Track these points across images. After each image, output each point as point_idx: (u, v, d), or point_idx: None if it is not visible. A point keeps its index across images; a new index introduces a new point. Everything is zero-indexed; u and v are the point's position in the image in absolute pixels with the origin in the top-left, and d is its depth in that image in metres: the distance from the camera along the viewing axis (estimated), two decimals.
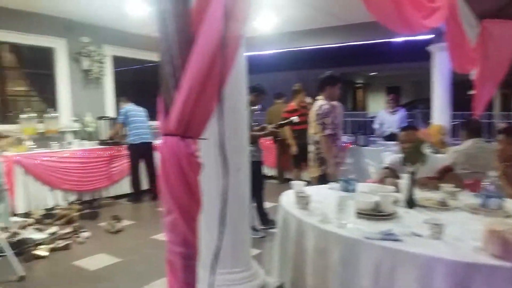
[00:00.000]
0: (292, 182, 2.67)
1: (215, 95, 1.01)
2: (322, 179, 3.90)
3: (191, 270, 1.05)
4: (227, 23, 0.87)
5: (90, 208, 5.68)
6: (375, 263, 1.77)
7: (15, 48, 6.23)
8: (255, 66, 9.84)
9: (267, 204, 4.89)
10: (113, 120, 6.42)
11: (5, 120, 6.01)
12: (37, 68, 6.51)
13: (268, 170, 7.70)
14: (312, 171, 4.29)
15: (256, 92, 4.56)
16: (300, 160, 6.57)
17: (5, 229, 4.09)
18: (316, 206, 2.35)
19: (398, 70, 16.18)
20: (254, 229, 4.56)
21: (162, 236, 4.54)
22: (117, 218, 5.04)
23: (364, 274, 1.80)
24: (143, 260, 3.91)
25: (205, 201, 1.80)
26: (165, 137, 1.05)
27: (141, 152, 6.29)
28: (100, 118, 6.66)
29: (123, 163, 6.33)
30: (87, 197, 6.00)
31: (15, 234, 4.37)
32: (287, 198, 2.57)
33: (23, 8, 5.74)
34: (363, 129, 11.82)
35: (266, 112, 7.32)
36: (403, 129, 3.52)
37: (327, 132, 4.02)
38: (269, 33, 7.03)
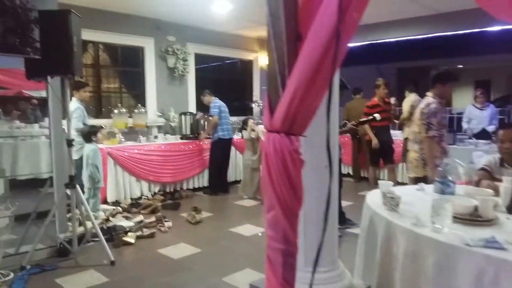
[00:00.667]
0: (380, 182, 2.55)
1: (322, 92, 0.98)
2: (422, 181, 3.69)
3: (291, 268, 1.04)
4: (342, 16, 0.83)
5: (172, 199, 5.98)
6: (476, 271, 1.63)
7: (109, 48, 6.73)
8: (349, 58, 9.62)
9: (343, 203, 4.77)
10: (205, 114, 6.60)
11: (99, 114, 6.54)
12: (127, 66, 6.99)
13: (343, 168, 7.52)
14: (413, 172, 4.17)
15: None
16: (378, 158, 6.33)
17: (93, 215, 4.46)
18: (406, 208, 2.21)
19: (490, 62, 14.84)
20: None
21: (238, 229, 4.65)
22: (196, 210, 5.24)
23: (463, 283, 1.66)
24: (222, 252, 4.02)
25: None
26: (269, 134, 1.04)
27: (226, 147, 6.50)
28: (183, 113, 6.97)
29: (203, 157, 6.57)
30: (169, 188, 6.32)
31: (106, 221, 4.74)
32: (374, 198, 2.46)
33: (117, 10, 6.18)
34: (449, 126, 11.01)
35: (344, 108, 7.13)
36: (503, 127, 3.20)
37: (431, 133, 3.78)
38: None
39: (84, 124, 5.03)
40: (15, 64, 3.95)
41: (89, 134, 4.75)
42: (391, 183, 2.53)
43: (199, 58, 7.69)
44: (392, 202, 2.18)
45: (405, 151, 5.53)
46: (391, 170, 6.35)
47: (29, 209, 3.84)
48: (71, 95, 5.05)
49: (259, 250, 4.06)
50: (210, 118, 6.40)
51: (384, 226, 2.11)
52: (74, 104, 5.03)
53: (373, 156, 6.39)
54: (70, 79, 3.61)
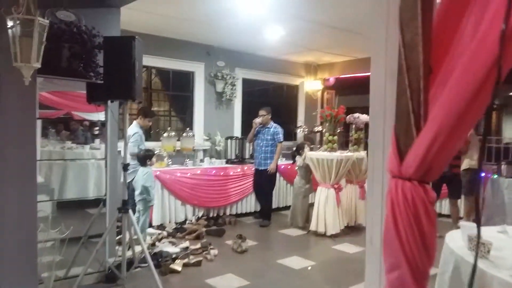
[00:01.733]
0: (463, 223, 2.32)
1: (466, 133, 0.84)
2: None
3: None
4: (504, 45, 0.70)
5: (215, 224, 5.87)
6: None
7: (161, 72, 6.87)
8: None
9: None
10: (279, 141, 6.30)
11: (149, 137, 6.62)
12: (178, 90, 7.09)
13: None
14: None
15: None
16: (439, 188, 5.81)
17: (142, 239, 4.38)
18: (497, 255, 1.98)
19: None
20: None
21: (286, 262, 4.45)
22: (241, 238, 5.09)
23: None
24: (271, 286, 3.84)
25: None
26: (397, 181, 0.91)
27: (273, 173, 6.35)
28: (229, 137, 6.94)
29: (247, 182, 6.46)
30: (212, 213, 6.22)
31: (152, 245, 4.68)
32: (456, 240, 2.23)
33: (170, 35, 6.32)
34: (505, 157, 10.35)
35: None
36: None
37: None
38: None
39: (139, 148, 5.07)
40: (69, 87, 4.04)
41: (144, 158, 4.77)
42: (474, 224, 2.29)
43: (246, 83, 7.71)
44: (482, 249, 1.95)
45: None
46: (454, 203, 5.82)
47: (75, 230, 3.83)
48: (132, 120, 5.15)
49: (310, 286, 3.84)
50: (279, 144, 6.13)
51: (478, 276, 1.88)
52: (134, 129, 5.10)
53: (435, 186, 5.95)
54: (133, 103, 3.63)
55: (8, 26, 2.26)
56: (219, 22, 5.62)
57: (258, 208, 6.52)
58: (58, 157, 5.02)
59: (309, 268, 4.31)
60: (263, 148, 6.09)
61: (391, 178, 0.94)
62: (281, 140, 6.15)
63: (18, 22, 2.25)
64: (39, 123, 4.03)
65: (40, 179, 3.99)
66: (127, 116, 3.58)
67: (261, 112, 6.11)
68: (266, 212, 6.25)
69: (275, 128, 6.12)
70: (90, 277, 3.69)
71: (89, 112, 5.25)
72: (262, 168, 6.12)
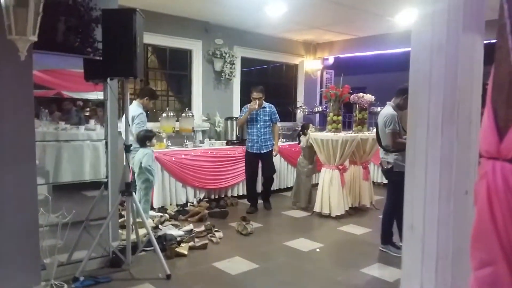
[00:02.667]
0: None
1: None
2: None
3: None
4: None
5: (217, 207, 5.75)
6: None
7: (157, 50, 6.61)
8: (390, 64, 9.26)
9: None
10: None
11: (148, 118, 6.40)
12: (175, 69, 6.84)
13: None
14: None
15: (406, 95, 4.06)
16: None
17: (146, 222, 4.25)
18: None
19: None
20: (395, 246, 4.14)
21: (294, 244, 4.36)
22: (246, 220, 4.99)
23: None
24: (281, 269, 3.74)
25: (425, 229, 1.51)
26: (494, 162, 0.76)
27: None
28: (228, 118, 6.76)
29: None
30: (213, 195, 6.10)
31: (155, 228, 4.55)
32: None
33: (167, 11, 6.05)
34: None
35: None
36: None
37: None
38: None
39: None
40: (61, 65, 3.80)
41: (144, 139, 4.58)
42: None
43: (244, 62, 7.48)
44: None
45: None
46: None
47: (74, 214, 3.67)
48: (133, 99, 4.95)
49: (321, 269, 3.76)
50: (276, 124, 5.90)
51: None
52: (137, 109, 4.90)
53: None
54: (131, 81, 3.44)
55: None
56: None
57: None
58: (52, 139, 4.82)
59: (318, 250, 4.23)
60: (261, 130, 5.60)
61: (487, 160, 0.79)
62: (279, 120, 5.90)
63: None
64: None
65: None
66: (127, 95, 3.40)
67: (257, 94, 5.52)
68: (268, 196, 6.04)
69: (270, 107, 5.70)
70: (93, 262, 3.57)
71: (83, 92, 5.04)
72: (264, 151, 5.64)
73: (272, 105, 5.78)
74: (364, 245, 4.43)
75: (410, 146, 1.54)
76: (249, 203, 5.85)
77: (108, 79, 3.42)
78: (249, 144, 5.69)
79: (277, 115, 5.79)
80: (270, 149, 5.73)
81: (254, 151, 5.64)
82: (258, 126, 5.60)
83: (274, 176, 6.01)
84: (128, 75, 3.19)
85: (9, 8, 2.06)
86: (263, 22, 6.50)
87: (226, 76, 6.95)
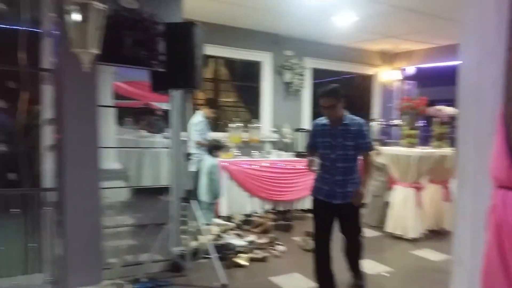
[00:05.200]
0: None
1: None
2: None
3: None
4: None
5: (283, 220, 5.66)
6: None
7: (228, 62, 6.82)
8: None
9: None
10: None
11: (216, 128, 6.61)
12: (244, 81, 6.99)
13: None
14: None
15: None
16: None
17: (208, 230, 4.32)
18: None
19: None
20: None
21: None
22: (310, 235, 4.82)
23: None
24: None
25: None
26: (504, 192, 0.61)
27: None
28: (297, 130, 6.69)
29: None
30: (280, 208, 6.02)
31: (218, 236, 4.60)
32: None
33: (237, 25, 6.21)
34: None
35: None
36: None
37: None
38: None
39: (204, 138, 5.05)
40: (142, 77, 4.08)
41: (213, 148, 4.71)
42: None
43: (317, 73, 7.38)
44: None
45: None
46: None
47: (144, 218, 3.86)
48: (196, 109, 5.13)
49: None
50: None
51: None
52: (198, 118, 5.10)
53: None
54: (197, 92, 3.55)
55: (65, 11, 2.24)
56: (286, 9, 5.38)
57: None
58: (133, 145, 5.19)
59: (386, 274, 3.92)
60: (338, 164, 3.08)
61: (497, 189, 0.64)
62: (372, 145, 3.33)
63: (74, 6, 2.22)
64: (115, 112, 4.16)
65: (117, 165, 4.12)
66: (188, 106, 3.51)
67: (325, 101, 3.05)
68: (357, 267, 3.38)
69: (356, 124, 3.13)
70: (156, 265, 3.70)
71: (160, 102, 5.38)
72: (341, 201, 3.09)
73: (360, 120, 3.19)
74: (443, 273, 3.99)
75: (459, 169, 1.35)
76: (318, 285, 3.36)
77: (172, 90, 3.57)
78: (316, 184, 3.24)
79: (368, 138, 3.21)
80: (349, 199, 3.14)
81: (323, 198, 3.16)
82: (333, 156, 3.08)
83: (361, 237, 3.31)
84: (188, 86, 3.29)
85: (72, 23, 2.25)
86: (333, 32, 6.36)
87: (295, 87, 6.91)
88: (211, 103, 5.38)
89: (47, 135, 2.88)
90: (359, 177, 3.17)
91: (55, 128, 2.80)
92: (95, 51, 2.39)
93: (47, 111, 2.87)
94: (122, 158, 4.51)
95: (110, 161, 3.81)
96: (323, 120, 3.19)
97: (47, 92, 2.86)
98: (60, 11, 2.50)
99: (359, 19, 5.59)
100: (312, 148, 3.28)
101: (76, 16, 2.21)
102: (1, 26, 2.74)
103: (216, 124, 6.69)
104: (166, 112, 4.07)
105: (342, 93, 3.12)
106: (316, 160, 3.19)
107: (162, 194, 4.01)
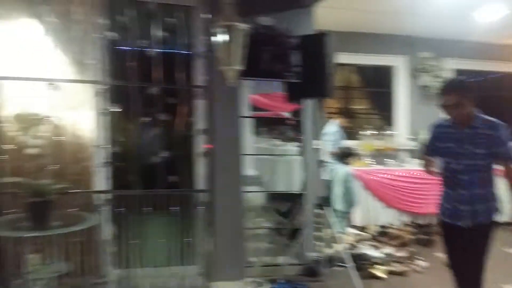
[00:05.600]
0: None
1: None
2: None
3: None
4: None
5: (424, 234, 5.29)
6: None
7: (359, 69, 6.75)
8: None
9: None
10: None
11: (349, 136, 6.56)
12: (377, 87, 6.81)
13: None
14: None
15: None
16: None
17: (342, 238, 4.29)
18: None
19: None
20: None
21: None
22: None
23: None
24: None
25: None
26: None
27: None
28: None
29: None
30: (420, 220, 5.63)
31: (353, 246, 4.54)
32: None
33: (367, 31, 6.10)
34: None
35: None
36: None
37: None
38: None
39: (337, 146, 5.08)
40: (272, 88, 4.34)
41: (344, 156, 4.73)
42: None
43: (458, 74, 6.75)
44: None
45: None
46: None
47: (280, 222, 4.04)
48: (330, 118, 5.21)
49: None
50: None
51: None
52: (332, 127, 5.16)
53: None
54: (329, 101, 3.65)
55: (212, 33, 2.56)
56: (420, 9, 5.10)
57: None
58: (267, 153, 5.52)
59: None
60: (466, 176, 2.47)
61: None
62: None
63: (221, 29, 2.52)
64: (251, 122, 4.51)
65: (253, 172, 4.46)
66: (320, 114, 3.61)
67: (447, 98, 2.42)
68: None
69: (490, 127, 2.47)
70: (292, 268, 3.83)
71: (291, 111, 5.61)
72: (466, 223, 2.48)
73: (496, 122, 2.49)
74: None
75: None
76: None
77: (305, 100, 3.71)
78: (441, 202, 2.70)
79: (507, 145, 2.47)
80: (485, 220, 2.49)
81: (448, 220, 2.59)
82: (456, 166, 2.51)
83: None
84: (320, 95, 3.39)
85: (220, 43, 2.55)
86: (475, 29, 5.78)
87: (433, 91, 6.44)
88: (345, 112, 5.37)
89: (199, 143, 3.30)
90: (493, 193, 2.50)
91: (206, 137, 3.18)
92: (239, 67, 2.66)
93: (199, 122, 3.28)
94: (257, 165, 4.83)
95: (247, 167, 4.13)
96: (446, 121, 2.56)
97: (199, 106, 3.28)
98: (208, 34, 2.84)
99: (510, 13, 5.01)
100: (431, 154, 2.74)
101: (223, 37, 2.50)
102: (163, 51, 3.24)
103: (348, 132, 6.65)
104: (298, 121, 4.23)
105: (469, 87, 2.45)
106: (437, 162, 2.69)
107: (295, 200, 4.18)
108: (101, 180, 3.27)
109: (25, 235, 2.62)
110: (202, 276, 3.34)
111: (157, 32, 3.23)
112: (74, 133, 3.18)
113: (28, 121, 3.07)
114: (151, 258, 3.43)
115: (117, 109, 3.32)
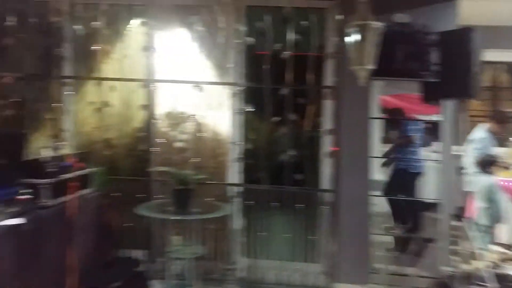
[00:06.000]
0: None
1: None
2: None
3: None
4: None
5: None
6: None
7: (510, 68, 5.95)
8: None
9: None
10: None
11: (499, 142, 5.80)
12: None
13: None
14: None
15: None
16: None
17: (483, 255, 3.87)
18: None
19: None
20: None
21: None
22: None
23: None
24: None
25: None
26: None
27: None
28: None
29: None
30: None
31: (496, 265, 4.04)
32: None
33: None
34: None
35: None
36: None
37: None
38: None
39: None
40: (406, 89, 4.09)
41: (483, 164, 4.23)
42: None
43: None
44: None
45: None
46: None
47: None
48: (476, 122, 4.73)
49: None
50: None
51: None
52: (480, 133, 4.63)
53: None
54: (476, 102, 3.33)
55: (345, 33, 2.55)
56: None
57: None
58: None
59: None
60: None
61: None
62: None
63: (354, 28, 2.50)
64: (380, 124, 4.36)
65: (380, 176, 4.31)
66: (463, 117, 3.30)
67: None
68: None
69: None
70: (422, 280, 3.60)
71: (427, 114, 5.21)
72: None
73: None
74: None
75: None
76: None
77: (445, 101, 3.44)
78: None
79: None
80: None
81: None
82: None
83: None
84: (463, 96, 3.10)
85: (352, 43, 2.53)
86: None
87: None
88: (497, 115, 4.72)
89: (326, 143, 3.32)
90: None
91: (333, 137, 3.19)
92: (371, 66, 2.60)
93: (327, 123, 3.31)
94: (380, 169, 4.64)
95: (376, 172, 4.00)
96: None
97: (328, 106, 3.30)
98: (340, 35, 2.84)
99: None
100: None
101: (356, 37, 2.48)
102: (296, 53, 3.36)
103: (499, 139, 5.86)
104: (434, 124, 3.93)
105: None
106: None
107: (428, 208, 3.89)
108: (234, 174, 3.57)
109: (171, 218, 3.01)
110: (325, 276, 3.36)
111: (291, 36, 3.35)
112: (214, 131, 3.54)
113: (177, 119, 3.53)
114: (276, 252, 3.58)
115: (251, 109, 3.57)
